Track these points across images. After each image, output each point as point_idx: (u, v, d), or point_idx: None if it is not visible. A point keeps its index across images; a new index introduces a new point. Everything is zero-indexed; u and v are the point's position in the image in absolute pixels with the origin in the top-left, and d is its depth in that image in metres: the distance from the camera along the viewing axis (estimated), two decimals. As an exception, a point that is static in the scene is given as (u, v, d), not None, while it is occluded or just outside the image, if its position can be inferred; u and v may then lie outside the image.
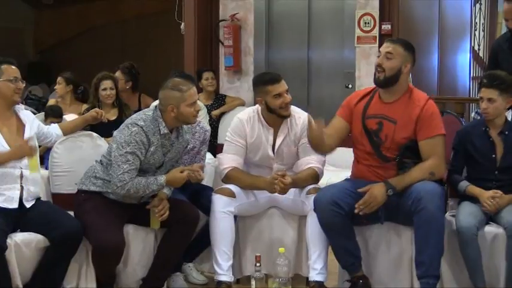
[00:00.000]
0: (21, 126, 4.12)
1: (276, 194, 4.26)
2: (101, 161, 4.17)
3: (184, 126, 4.24)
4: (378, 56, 4.14)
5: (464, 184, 4.12)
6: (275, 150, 4.39)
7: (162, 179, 4.01)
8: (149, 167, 4.07)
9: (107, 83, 5.86)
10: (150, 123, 4.03)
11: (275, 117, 4.35)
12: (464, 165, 4.19)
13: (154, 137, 4.02)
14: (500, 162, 4.11)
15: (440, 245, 3.88)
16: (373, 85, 4.25)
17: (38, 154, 4.18)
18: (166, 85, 4.08)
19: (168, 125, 4.07)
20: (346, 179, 4.27)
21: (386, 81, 4.09)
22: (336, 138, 4.28)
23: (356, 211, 3.96)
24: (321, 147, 4.29)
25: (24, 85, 4.16)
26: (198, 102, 6.24)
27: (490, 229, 4.00)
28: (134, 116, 4.16)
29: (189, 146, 4.53)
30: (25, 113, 4.21)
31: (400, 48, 4.09)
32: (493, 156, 4.11)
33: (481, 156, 4.13)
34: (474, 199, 4.09)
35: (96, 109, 4.66)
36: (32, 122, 4.19)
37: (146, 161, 4.03)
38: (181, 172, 4.05)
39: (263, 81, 4.36)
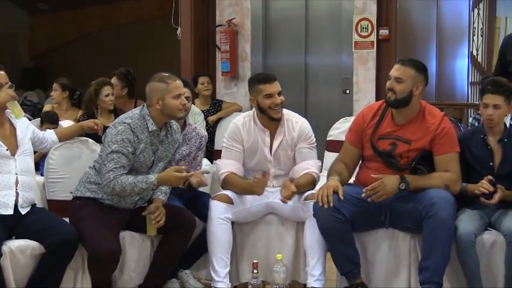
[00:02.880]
0: (13, 131, 4.08)
1: (273, 199, 4.27)
2: (94, 166, 4.15)
3: (174, 125, 4.23)
4: (389, 79, 4.10)
5: (462, 186, 4.07)
6: (272, 152, 4.37)
7: (152, 177, 3.95)
8: (140, 165, 4.05)
9: (109, 89, 5.82)
10: (138, 120, 4.03)
11: (267, 118, 4.34)
12: (465, 171, 4.15)
13: (142, 135, 4.02)
14: (497, 169, 4.09)
15: (447, 253, 3.86)
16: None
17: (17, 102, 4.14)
18: (153, 78, 4.10)
19: (155, 121, 4.06)
20: (348, 184, 4.22)
21: (397, 103, 4.06)
22: (352, 167, 4.28)
23: (363, 195, 3.94)
24: None
25: (13, 89, 4.09)
26: (195, 107, 6.28)
27: (489, 235, 3.98)
28: (121, 115, 4.17)
29: (185, 152, 4.52)
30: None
31: (411, 70, 4.04)
32: (491, 164, 4.10)
33: (479, 164, 4.12)
34: (473, 205, 4.07)
35: (96, 121, 4.61)
36: (26, 127, 4.16)
37: (137, 159, 4.01)
38: (177, 172, 3.96)
39: (256, 80, 4.37)
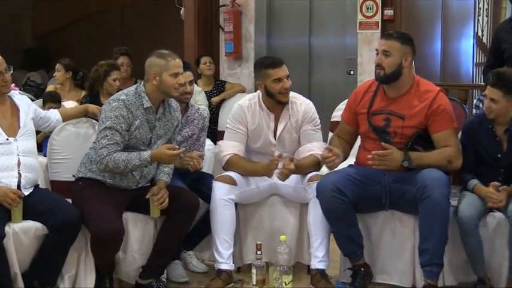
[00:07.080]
0: (16, 111, 4.07)
1: (277, 180, 4.23)
2: (94, 147, 4.12)
3: (173, 104, 4.21)
4: (377, 54, 4.07)
5: (472, 183, 4.04)
6: (276, 136, 4.34)
7: (146, 154, 3.95)
8: (136, 142, 4.04)
9: (118, 74, 5.79)
10: (133, 97, 4.03)
11: (275, 102, 4.31)
12: (475, 161, 4.11)
13: (138, 111, 4.01)
14: (502, 160, 4.04)
15: (444, 234, 3.86)
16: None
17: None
18: (153, 54, 4.10)
19: (151, 98, 4.05)
20: (350, 166, 4.22)
21: (387, 78, 4.04)
22: (349, 141, 4.29)
23: (369, 156, 3.94)
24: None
25: (11, 71, 4.06)
26: (196, 86, 6.25)
27: (493, 217, 3.97)
28: (117, 92, 4.18)
29: (187, 133, 4.51)
30: (20, 98, 4.16)
31: (397, 43, 4.02)
32: (499, 156, 4.04)
33: (487, 155, 4.07)
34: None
35: (100, 108, 4.58)
36: (28, 106, 4.14)
37: (132, 136, 4.01)
38: (170, 149, 3.95)
39: (264, 64, 4.33)
